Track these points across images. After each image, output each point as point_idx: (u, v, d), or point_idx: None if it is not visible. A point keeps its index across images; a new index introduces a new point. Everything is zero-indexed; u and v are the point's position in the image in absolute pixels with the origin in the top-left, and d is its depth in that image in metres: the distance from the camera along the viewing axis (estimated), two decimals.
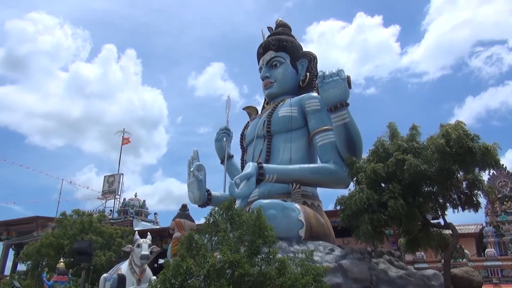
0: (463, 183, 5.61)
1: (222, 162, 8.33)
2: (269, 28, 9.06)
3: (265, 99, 8.95)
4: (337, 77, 6.44)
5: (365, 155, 6.29)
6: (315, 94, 7.47)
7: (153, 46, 71.34)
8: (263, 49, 8.51)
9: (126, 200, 24.84)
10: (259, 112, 8.80)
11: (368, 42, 61.93)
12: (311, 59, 8.40)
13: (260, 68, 8.56)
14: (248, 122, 8.62)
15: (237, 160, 8.51)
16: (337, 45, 66.77)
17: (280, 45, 8.32)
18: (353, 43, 64.41)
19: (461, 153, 5.22)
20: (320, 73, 6.64)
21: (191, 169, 6.99)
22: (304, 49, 8.74)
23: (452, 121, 5.71)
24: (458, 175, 5.56)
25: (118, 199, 25.43)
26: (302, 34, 63.97)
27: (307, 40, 63.66)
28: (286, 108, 7.55)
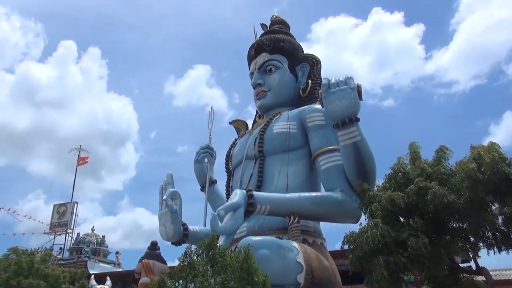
0: (499, 217, 5.67)
1: (203, 188, 8.26)
2: (263, 26, 9.17)
3: (257, 111, 8.99)
4: (345, 86, 6.51)
5: (380, 181, 6.34)
6: (318, 106, 7.52)
7: (121, 44, 72.03)
8: (255, 50, 8.59)
9: (81, 235, 24.45)
10: (250, 127, 8.82)
11: (386, 44, 63.29)
12: (314, 63, 8.48)
13: (252, 74, 8.61)
14: (235, 140, 8.62)
15: (221, 186, 8.47)
16: (348, 46, 68.08)
17: (276, 45, 8.41)
18: (368, 44, 65.80)
19: (496, 181, 5.27)
20: (324, 81, 6.70)
21: (164, 197, 6.95)
22: (306, 51, 8.83)
23: (487, 141, 5.88)
24: (493, 208, 5.63)
25: (71, 234, 25.10)
26: (306, 32, 64.95)
27: (313, 39, 64.69)
28: (283, 123, 7.60)
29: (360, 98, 6.61)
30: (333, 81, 6.63)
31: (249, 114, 9.88)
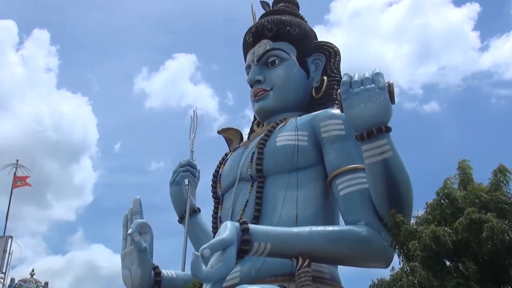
0: None
1: (182, 219, 8.24)
2: (264, 4, 9.18)
3: (254, 117, 8.99)
4: (373, 85, 6.50)
5: (419, 211, 6.33)
6: (336, 111, 7.49)
7: (77, 25, 71.98)
8: (254, 36, 8.61)
9: (16, 281, 24.25)
10: (245, 138, 8.79)
11: (429, 29, 63.26)
12: (331, 54, 8.50)
13: (248, 67, 8.62)
14: (226, 155, 8.58)
15: (206, 216, 8.43)
16: (379, 32, 68.02)
17: (281, 30, 8.41)
18: (405, 29, 65.91)
19: None
20: (345, 78, 6.68)
21: (129, 231, 6.86)
22: (322, 38, 8.88)
23: None
24: None
25: (2, 280, 24.88)
26: (323, 13, 64.76)
27: (332, 22, 64.67)
28: (289, 133, 7.57)
29: (392, 100, 6.57)
30: (356, 78, 6.60)
31: (247, 120, 9.97)
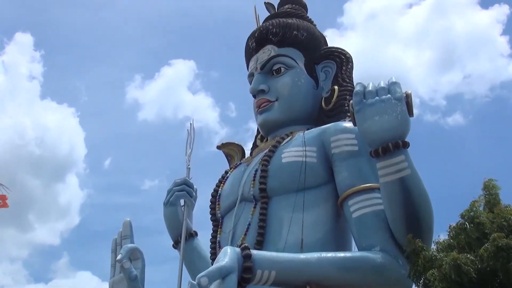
0: None
1: (177, 244, 8.24)
2: (268, 5, 9.25)
3: (258, 131, 9.07)
4: (389, 96, 6.52)
5: (440, 236, 6.31)
6: (348, 124, 7.54)
7: (64, 29, 71.71)
8: (257, 41, 8.65)
9: None
10: (247, 154, 8.86)
11: (453, 34, 62.73)
12: (343, 61, 8.54)
13: (251, 75, 8.67)
14: (226, 173, 8.63)
15: (204, 241, 8.46)
16: (397, 35, 67.39)
17: (288, 35, 8.45)
18: (426, 33, 65.30)
19: None
20: (358, 88, 6.71)
21: (118, 257, 6.90)
22: (333, 43, 8.95)
23: None
24: None
25: None
26: (336, 15, 64.10)
27: (346, 25, 64.12)
28: (296, 149, 7.62)
29: (410, 113, 6.59)
30: (370, 87, 6.62)
31: (251, 134, 9.86)
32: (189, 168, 8.37)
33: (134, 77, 68.07)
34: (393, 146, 6.40)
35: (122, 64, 71.06)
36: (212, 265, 6.14)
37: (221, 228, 8.02)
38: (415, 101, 6.73)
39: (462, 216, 6.13)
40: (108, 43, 72.27)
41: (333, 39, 8.98)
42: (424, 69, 65.22)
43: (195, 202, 8.48)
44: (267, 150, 7.86)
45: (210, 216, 8.36)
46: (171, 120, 67.20)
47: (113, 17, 70.43)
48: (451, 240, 6.03)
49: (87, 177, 67.06)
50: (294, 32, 8.50)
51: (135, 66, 69.43)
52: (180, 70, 68.25)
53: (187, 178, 8.34)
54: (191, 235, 8.40)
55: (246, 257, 6.01)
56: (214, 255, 7.69)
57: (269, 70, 8.43)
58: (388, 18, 66.76)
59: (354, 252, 6.99)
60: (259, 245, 7.12)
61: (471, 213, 6.10)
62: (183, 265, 7.68)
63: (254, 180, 7.66)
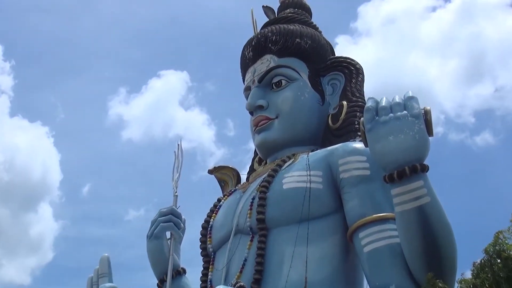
0: None
1: (162, 283, 7.84)
2: (267, 10, 9.06)
3: (255, 153, 8.78)
4: (405, 112, 6.11)
5: (464, 273, 5.89)
6: (359, 145, 7.20)
7: (37, 37, 72.51)
8: (254, 50, 8.41)
9: None
10: (243, 179, 8.59)
11: (482, 40, 63.02)
12: (352, 73, 8.24)
13: (247, 89, 8.41)
14: (219, 201, 8.31)
15: (193, 279, 8.09)
16: (419, 42, 67.64)
17: (289, 43, 8.19)
18: (451, 39, 65.71)
19: None
20: (369, 103, 6.30)
21: None
22: (345, 52, 8.60)
23: None
24: None
25: None
26: (348, 20, 64.37)
27: (360, 30, 64.92)
28: (299, 173, 7.30)
29: (430, 132, 6.18)
30: (384, 103, 6.23)
31: (251, 155, 9.79)
32: (176, 195, 7.96)
33: (118, 91, 68.29)
34: (410, 170, 5.97)
35: (104, 76, 71.43)
36: None
37: (213, 264, 7.70)
38: (439, 117, 6.28)
39: (486, 251, 5.76)
40: (88, 53, 72.83)
41: (346, 47, 8.68)
42: (449, 81, 65.98)
43: (183, 235, 8.14)
44: (266, 175, 7.54)
45: (201, 250, 8.08)
46: (160, 140, 67.38)
47: (93, 24, 70.94)
48: (476, 280, 5.67)
49: (63, 206, 66.91)
50: (297, 39, 8.22)
51: (119, 78, 70.04)
52: (170, 83, 68.62)
53: (174, 207, 7.93)
54: (179, 272, 7.96)
55: None
56: None
57: (268, 83, 8.15)
58: (408, 23, 67.18)
59: None
60: (257, 284, 6.80)
61: (496, 247, 5.76)
62: None
63: (251, 209, 7.33)
